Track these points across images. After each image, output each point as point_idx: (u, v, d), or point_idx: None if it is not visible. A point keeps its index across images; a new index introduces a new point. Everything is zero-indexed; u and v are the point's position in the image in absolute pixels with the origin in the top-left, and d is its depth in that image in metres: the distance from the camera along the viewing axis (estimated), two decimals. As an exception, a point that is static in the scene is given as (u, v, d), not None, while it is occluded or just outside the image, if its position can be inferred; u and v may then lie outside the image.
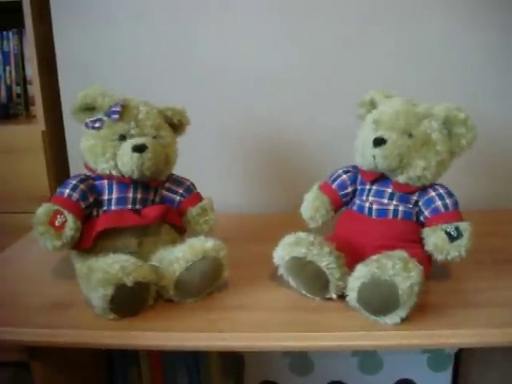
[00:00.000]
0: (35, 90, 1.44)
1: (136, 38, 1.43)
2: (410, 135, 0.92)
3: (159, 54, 1.43)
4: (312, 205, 1.01)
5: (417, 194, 0.95)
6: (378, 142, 0.90)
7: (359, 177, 1.00)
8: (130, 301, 0.84)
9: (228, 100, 1.44)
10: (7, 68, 1.56)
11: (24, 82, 1.58)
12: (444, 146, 0.93)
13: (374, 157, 0.91)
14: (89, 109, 0.98)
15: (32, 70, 1.44)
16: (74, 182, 0.96)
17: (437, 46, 1.37)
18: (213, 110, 1.44)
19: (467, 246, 0.88)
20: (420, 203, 0.94)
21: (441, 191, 0.94)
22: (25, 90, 1.58)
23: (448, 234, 0.89)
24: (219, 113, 1.45)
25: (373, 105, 1.02)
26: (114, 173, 0.96)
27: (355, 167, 1.02)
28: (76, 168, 1.02)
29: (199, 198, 1.04)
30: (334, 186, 1.02)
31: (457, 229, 0.89)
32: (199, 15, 1.40)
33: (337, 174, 1.03)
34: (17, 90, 1.58)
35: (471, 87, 1.39)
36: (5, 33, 1.54)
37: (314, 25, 1.38)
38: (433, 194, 0.93)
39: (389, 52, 1.39)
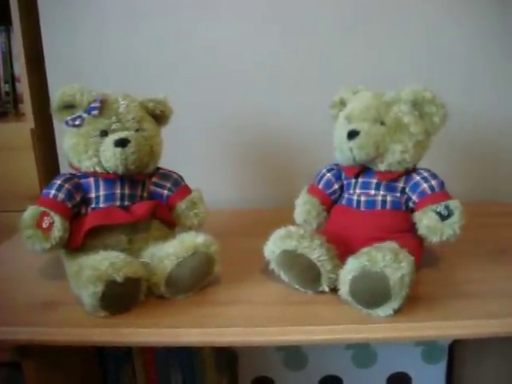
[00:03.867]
0: (23, 87, 1.43)
1: (125, 34, 1.42)
2: (382, 123, 0.93)
3: (149, 50, 1.42)
4: (303, 209, 1.03)
5: (402, 180, 0.95)
6: (352, 134, 0.92)
7: (343, 172, 1.01)
8: (121, 297, 0.84)
9: (219, 95, 1.43)
10: (-5, 66, 1.55)
11: (12, 79, 1.57)
12: (417, 127, 0.93)
13: (350, 149, 0.92)
14: (68, 107, 0.97)
15: (20, 67, 1.43)
16: (59, 181, 0.95)
17: (431, 39, 1.37)
18: (204, 105, 1.43)
19: (460, 222, 0.88)
20: (407, 190, 0.95)
21: (425, 174, 0.94)
22: (13, 88, 1.57)
23: (439, 213, 0.89)
24: (210, 108, 1.44)
25: (343, 103, 1.03)
26: (98, 169, 0.95)
27: (337, 164, 1.03)
28: (66, 165, 1.01)
29: (188, 190, 1.03)
30: (321, 186, 1.03)
31: (447, 207, 0.89)
32: (189, 11, 1.40)
33: (321, 174, 1.04)
34: (5, 87, 1.57)
35: (466, 82, 1.39)
36: (-8, 30, 1.53)
37: (306, 20, 1.38)
38: (417, 178, 0.94)
39: (384, 47, 1.38)
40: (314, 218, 1.02)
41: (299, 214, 1.03)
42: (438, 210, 0.89)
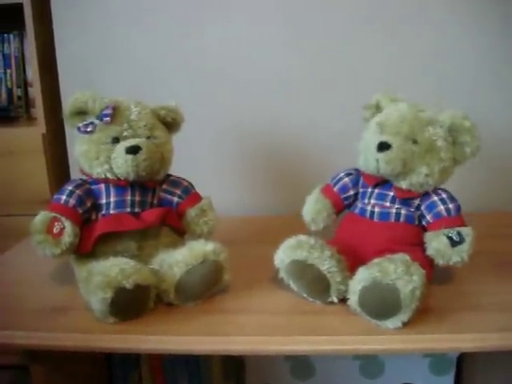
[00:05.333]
0: (36, 92, 1.44)
1: (136, 39, 1.43)
2: (415, 141, 0.91)
3: (160, 55, 1.43)
4: (313, 207, 1.01)
5: (419, 197, 0.94)
6: (383, 146, 0.89)
7: (361, 179, 1.00)
8: (130, 304, 0.84)
9: (229, 102, 1.44)
10: (8, 70, 1.57)
11: (25, 84, 1.58)
12: (448, 153, 0.92)
13: (377, 161, 0.90)
14: (80, 113, 0.97)
15: (33, 72, 1.44)
16: (70, 187, 0.95)
17: (438, 47, 1.37)
18: (214, 113, 1.44)
19: (469, 251, 0.87)
20: (422, 207, 0.94)
21: (443, 196, 0.93)
22: (26, 93, 1.58)
23: (450, 238, 0.88)
24: (221, 116, 1.45)
25: (378, 108, 1.01)
26: (109, 176, 0.95)
27: (357, 170, 1.01)
28: (76, 170, 1.02)
29: (198, 198, 1.03)
30: (336, 188, 1.02)
31: (459, 234, 0.88)
32: (198, 16, 1.40)
33: (339, 177, 1.02)
34: (18, 92, 1.58)
35: (472, 88, 1.39)
36: (6, 35, 1.54)
37: (314, 26, 1.38)
38: (435, 198, 0.93)
39: (390, 54, 1.39)
40: (322, 218, 1.01)
41: (308, 211, 1.02)
42: (450, 234, 0.88)
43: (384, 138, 0.91)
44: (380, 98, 1.01)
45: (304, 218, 1.02)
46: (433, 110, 0.95)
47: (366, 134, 0.97)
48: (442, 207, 0.92)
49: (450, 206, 0.92)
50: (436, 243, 0.89)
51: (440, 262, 0.89)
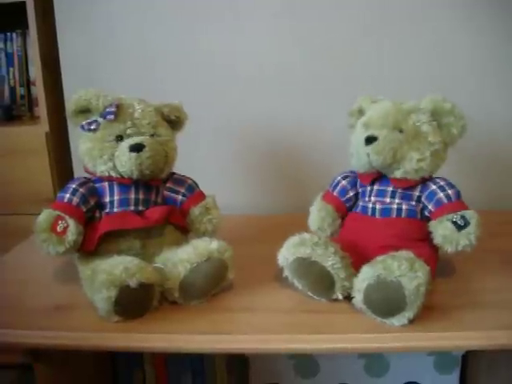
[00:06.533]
0: (39, 91, 1.44)
1: (138, 38, 1.43)
2: (401, 130, 0.93)
3: (162, 53, 1.43)
4: (318, 216, 1.02)
5: (418, 189, 0.95)
6: (370, 139, 0.92)
7: (359, 180, 1.01)
8: (134, 302, 0.84)
9: (232, 100, 1.44)
10: (11, 69, 1.57)
11: (27, 83, 1.58)
12: (435, 136, 0.93)
13: (367, 155, 0.92)
14: (84, 111, 0.97)
15: (35, 71, 1.44)
16: (74, 186, 0.95)
17: (438, 45, 1.37)
18: (218, 112, 1.44)
19: (476, 232, 0.87)
20: (422, 198, 0.94)
21: (441, 183, 0.94)
22: (28, 92, 1.58)
23: (455, 223, 0.88)
24: (224, 114, 1.44)
25: (361, 112, 1.03)
26: (113, 174, 0.95)
27: (353, 172, 1.02)
28: (80, 169, 1.02)
29: (201, 196, 1.03)
30: (336, 193, 1.02)
31: (463, 217, 0.88)
32: (202, 14, 1.40)
33: (336, 181, 1.03)
34: (20, 91, 1.58)
35: (472, 87, 1.39)
36: (9, 34, 1.54)
37: (318, 24, 1.38)
38: (434, 187, 0.94)
39: (391, 53, 1.38)
40: (328, 225, 1.01)
41: (314, 221, 1.02)
42: (454, 219, 0.88)
43: (370, 132, 0.93)
44: (361, 102, 1.04)
45: (310, 228, 1.02)
46: (413, 101, 0.97)
47: (354, 137, 0.99)
48: (441, 194, 0.92)
49: (450, 191, 0.92)
50: (442, 230, 0.89)
51: (449, 248, 0.89)
